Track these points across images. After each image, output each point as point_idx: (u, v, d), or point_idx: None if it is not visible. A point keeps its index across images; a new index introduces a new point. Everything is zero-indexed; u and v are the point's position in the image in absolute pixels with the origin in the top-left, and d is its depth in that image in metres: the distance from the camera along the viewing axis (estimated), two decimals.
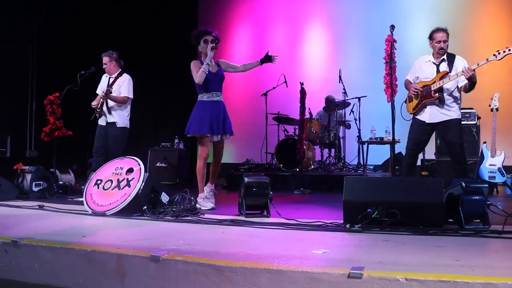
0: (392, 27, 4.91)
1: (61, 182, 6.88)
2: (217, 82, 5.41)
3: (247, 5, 11.53)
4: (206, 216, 4.37)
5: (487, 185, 3.84)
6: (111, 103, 6.46)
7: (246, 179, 4.44)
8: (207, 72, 5.21)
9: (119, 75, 6.53)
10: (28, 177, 6.29)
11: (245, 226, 3.87)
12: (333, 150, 9.05)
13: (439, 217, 3.63)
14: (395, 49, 4.81)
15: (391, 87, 4.75)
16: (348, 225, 3.63)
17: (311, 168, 8.52)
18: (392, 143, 4.98)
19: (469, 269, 2.37)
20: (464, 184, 3.70)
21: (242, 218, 4.27)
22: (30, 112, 10.20)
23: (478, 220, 3.75)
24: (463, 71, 4.80)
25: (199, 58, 5.50)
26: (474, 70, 4.77)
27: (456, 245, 3.03)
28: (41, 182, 6.32)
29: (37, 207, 5.12)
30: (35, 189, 6.23)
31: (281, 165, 8.33)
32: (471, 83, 4.89)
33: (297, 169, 8.01)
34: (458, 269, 2.38)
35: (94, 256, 2.82)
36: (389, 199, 3.67)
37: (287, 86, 8.89)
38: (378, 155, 8.25)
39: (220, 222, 4.05)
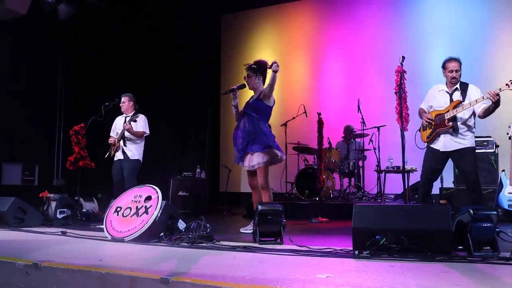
0: (402, 58, 5.04)
1: (84, 210, 7.11)
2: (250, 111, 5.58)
3: (267, 36, 11.79)
4: (221, 243, 4.49)
5: (495, 212, 3.86)
6: (128, 136, 6.77)
7: (259, 207, 4.55)
8: (234, 111, 5.65)
9: (135, 115, 6.86)
10: (53, 204, 6.52)
11: (257, 252, 3.97)
12: (353, 179, 9.11)
13: (447, 244, 3.67)
14: (405, 79, 4.93)
15: (401, 117, 4.86)
16: (356, 252, 3.71)
17: (331, 197, 8.58)
18: (403, 172, 5.06)
19: None
20: (472, 211, 3.75)
21: (256, 245, 4.37)
22: (58, 142, 10.56)
23: (488, 247, 3.79)
24: (488, 96, 4.80)
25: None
26: (498, 94, 4.79)
27: (460, 271, 3.08)
28: (65, 210, 6.56)
29: (60, 233, 5.33)
30: (59, 216, 6.46)
31: (301, 195, 8.41)
32: (496, 106, 4.91)
33: (316, 198, 8.08)
34: None
35: (108, 278, 2.96)
36: (397, 226, 3.73)
37: (306, 117, 9.04)
38: (399, 184, 8.25)
39: (233, 248, 4.16)
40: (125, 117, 6.98)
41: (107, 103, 6.98)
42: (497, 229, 3.79)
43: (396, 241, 3.64)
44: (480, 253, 3.70)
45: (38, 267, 3.21)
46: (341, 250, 3.90)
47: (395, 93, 4.95)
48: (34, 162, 10.00)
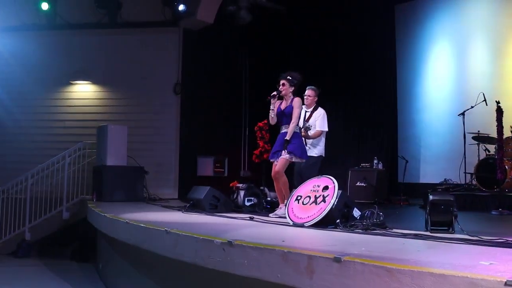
0: None
1: (269, 199, 7.83)
2: (281, 118, 6.55)
3: (443, 23, 11.43)
4: (393, 230, 4.73)
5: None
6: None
7: (430, 197, 4.69)
8: (272, 115, 6.59)
9: (315, 109, 7.23)
10: (242, 193, 7.34)
11: (426, 240, 4.16)
12: None
13: None
14: None
15: None
16: None
17: None
18: None
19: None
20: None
21: (427, 233, 4.53)
22: (243, 137, 11.63)
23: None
24: None
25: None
26: None
27: None
28: (252, 198, 7.33)
29: (248, 218, 6.06)
30: (247, 203, 7.26)
31: (481, 186, 8.17)
32: None
33: (497, 189, 7.80)
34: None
35: (289, 256, 3.44)
36: None
37: (486, 105, 8.70)
38: None
39: (404, 235, 4.39)
40: (305, 112, 7.24)
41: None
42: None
43: None
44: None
45: (232, 244, 3.83)
46: None
47: None
48: (223, 156, 11.19)
